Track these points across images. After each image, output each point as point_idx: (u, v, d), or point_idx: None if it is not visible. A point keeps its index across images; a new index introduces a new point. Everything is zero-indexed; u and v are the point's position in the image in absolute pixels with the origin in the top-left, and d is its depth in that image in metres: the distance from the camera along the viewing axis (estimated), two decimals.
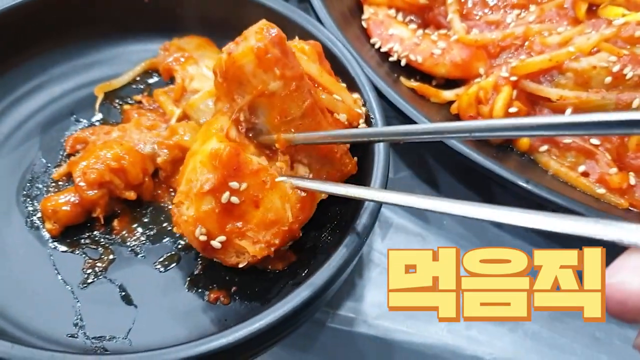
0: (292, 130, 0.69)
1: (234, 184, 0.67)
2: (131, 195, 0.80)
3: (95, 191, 0.78)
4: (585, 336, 0.83)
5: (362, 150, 0.78)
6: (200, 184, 0.67)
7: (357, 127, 0.79)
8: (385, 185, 0.75)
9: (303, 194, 0.70)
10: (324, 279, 0.66)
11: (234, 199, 0.67)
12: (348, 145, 0.76)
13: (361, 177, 0.76)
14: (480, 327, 0.83)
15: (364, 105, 0.81)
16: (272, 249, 0.69)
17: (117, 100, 0.94)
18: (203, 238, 0.68)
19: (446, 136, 0.60)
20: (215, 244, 0.69)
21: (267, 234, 0.69)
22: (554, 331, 0.83)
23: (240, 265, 0.71)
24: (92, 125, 0.90)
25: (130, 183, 0.80)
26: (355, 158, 0.76)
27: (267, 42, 0.65)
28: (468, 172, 0.95)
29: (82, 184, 0.78)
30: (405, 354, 0.82)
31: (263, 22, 0.67)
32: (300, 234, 0.73)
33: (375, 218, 0.71)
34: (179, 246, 0.79)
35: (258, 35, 0.66)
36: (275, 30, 0.66)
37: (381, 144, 0.76)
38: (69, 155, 0.86)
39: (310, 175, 0.72)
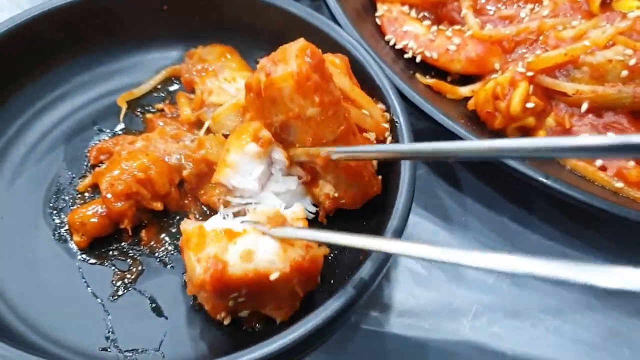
0: None
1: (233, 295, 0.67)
2: (158, 205, 0.81)
3: (123, 202, 0.79)
4: (606, 330, 0.85)
5: (384, 167, 0.79)
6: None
7: (383, 140, 0.80)
8: (410, 205, 0.75)
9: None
10: (358, 288, 0.67)
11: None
12: (376, 167, 0.77)
13: (385, 196, 0.77)
14: (502, 323, 0.84)
15: (390, 115, 0.82)
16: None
17: (138, 109, 0.95)
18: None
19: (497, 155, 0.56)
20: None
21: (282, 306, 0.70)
22: (576, 325, 0.85)
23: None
24: (115, 134, 0.91)
25: (157, 193, 0.81)
26: (380, 177, 0.77)
27: (308, 68, 0.65)
28: (488, 168, 0.96)
29: (109, 195, 0.79)
30: (429, 352, 0.83)
31: (303, 44, 0.67)
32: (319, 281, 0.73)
33: (400, 234, 0.72)
34: None
35: (299, 59, 0.65)
36: (316, 54, 0.65)
37: (407, 162, 0.76)
38: (93, 166, 0.87)
39: (336, 194, 0.73)
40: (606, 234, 0.92)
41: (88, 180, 0.85)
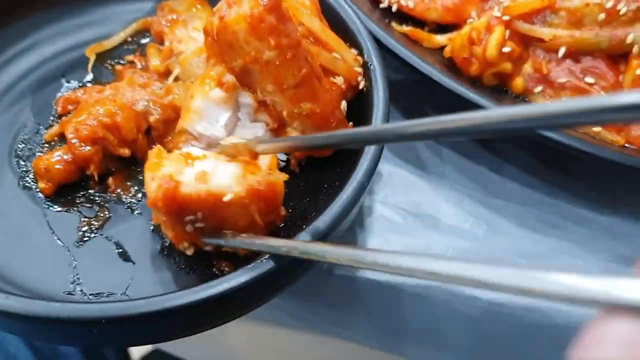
0: (287, 99, 0.69)
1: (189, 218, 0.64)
2: (125, 152, 0.79)
3: (89, 147, 0.77)
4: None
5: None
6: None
7: (356, 86, 0.78)
8: (381, 149, 0.74)
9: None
10: (327, 224, 0.66)
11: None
12: (344, 113, 0.76)
13: None
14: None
15: (364, 59, 0.80)
16: None
17: (109, 61, 0.93)
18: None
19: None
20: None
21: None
22: None
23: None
24: (84, 85, 0.90)
25: (124, 139, 0.79)
26: (351, 123, 0.76)
27: (262, 9, 0.63)
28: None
29: (74, 140, 0.77)
30: (403, 297, 0.82)
31: None
32: (283, 213, 0.72)
33: (372, 174, 0.71)
34: None
35: (252, 1, 0.63)
36: None
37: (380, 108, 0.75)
38: (60, 117, 0.85)
39: None
40: (586, 181, 0.91)
41: (55, 130, 0.83)
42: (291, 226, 0.74)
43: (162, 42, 0.92)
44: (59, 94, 0.88)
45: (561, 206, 0.89)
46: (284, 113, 0.72)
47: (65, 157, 0.78)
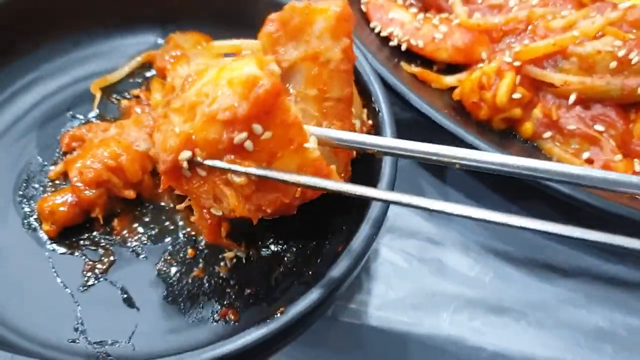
0: (321, 111, 0.66)
1: (257, 128, 0.56)
2: (130, 194, 0.79)
3: (93, 191, 0.77)
4: (589, 326, 0.83)
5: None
6: (218, 107, 0.55)
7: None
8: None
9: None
10: (336, 280, 0.65)
11: (248, 144, 0.57)
12: (353, 154, 0.74)
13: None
14: (483, 317, 0.83)
15: (372, 104, 0.80)
16: (259, 215, 0.61)
17: (114, 95, 0.92)
18: (184, 163, 0.58)
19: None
20: (201, 171, 0.59)
21: (262, 198, 0.60)
22: (559, 321, 0.83)
23: (212, 211, 0.63)
24: (88, 121, 0.89)
25: (128, 181, 0.79)
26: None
27: (349, 11, 0.64)
28: None
29: (79, 183, 0.77)
30: (408, 346, 0.82)
31: None
32: (295, 212, 0.68)
33: (380, 226, 0.70)
34: (182, 244, 0.78)
35: (342, 2, 0.64)
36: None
37: (388, 161, 0.74)
38: (65, 153, 0.85)
39: None
40: (594, 229, 0.90)
41: (59, 168, 0.82)
42: (295, 272, 0.74)
43: (164, 77, 0.91)
44: (64, 130, 0.87)
45: (568, 253, 0.89)
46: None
47: (70, 199, 0.77)
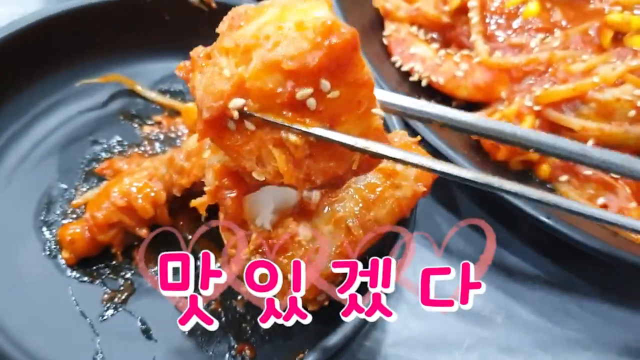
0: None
1: (325, 84, 0.48)
2: (143, 232, 0.79)
3: (108, 232, 0.77)
4: None
5: None
6: (283, 53, 0.47)
7: None
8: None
9: None
10: (355, 323, 0.65)
11: (311, 102, 0.49)
12: None
13: None
14: (494, 357, 0.84)
15: None
16: (307, 186, 0.53)
17: (136, 120, 0.93)
18: (234, 112, 0.49)
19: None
20: (249, 125, 0.50)
21: (315, 166, 0.52)
22: None
23: (254, 175, 0.53)
24: (110, 146, 0.90)
25: (141, 219, 0.78)
26: None
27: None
28: (488, 198, 0.95)
29: (93, 226, 0.77)
30: None
31: None
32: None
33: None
34: None
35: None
36: None
37: None
38: (86, 178, 0.85)
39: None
40: (604, 272, 0.92)
41: (80, 201, 0.83)
42: None
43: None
44: (86, 153, 0.88)
45: (578, 295, 0.90)
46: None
47: (88, 234, 0.77)
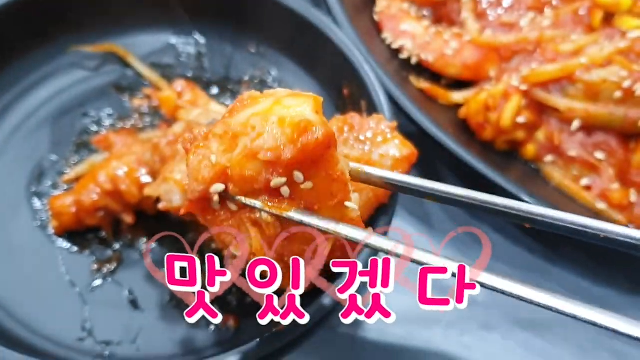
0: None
1: (298, 175, 0.52)
2: (128, 219, 0.80)
3: (95, 215, 0.79)
4: (574, 347, 0.86)
5: None
6: (262, 145, 0.51)
7: None
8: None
9: None
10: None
11: (284, 190, 0.53)
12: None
13: None
14: (473, 333, 0.86)
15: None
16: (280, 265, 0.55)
17: (127, 92, 0.93)
18: (215, 196, 0.55)
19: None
20: (232, 206, 0.56)
21: (287, 247, 0.57)
22: (546, 341, 0.86)
23: (232, 250, 0.59)
24: (101, 119, 0.90)
25: (128, 203, 0.79)
26: None
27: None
28: (478, 182, 0.96)
29: (81, 210, 0.79)
30: (400, 358, 0.85)
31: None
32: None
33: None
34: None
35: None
36: None
37: None
38: (77, 151, 0.87)
39: None
40: (586, 250, 0.93)
41: (71, 176, 0.84)
42: None
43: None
44: (77, 125, 0.89)
45: (559, 273, 0.91)
46: None
47: (75, 209, 0.79)
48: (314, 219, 0.53)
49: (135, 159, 0.79)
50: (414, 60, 0.99)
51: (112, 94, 0.93)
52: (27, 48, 0.91)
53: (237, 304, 0.77)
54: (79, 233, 0.80)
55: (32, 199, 0.82)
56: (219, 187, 0.54)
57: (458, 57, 0.97)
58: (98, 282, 0.77)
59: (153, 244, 0.80)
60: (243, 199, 0.54)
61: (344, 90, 0.87)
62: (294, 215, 0.54)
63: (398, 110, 0.88)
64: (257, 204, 0.54)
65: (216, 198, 0.55)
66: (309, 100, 0.53)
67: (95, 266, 0.78)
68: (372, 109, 0.82)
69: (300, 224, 0.54)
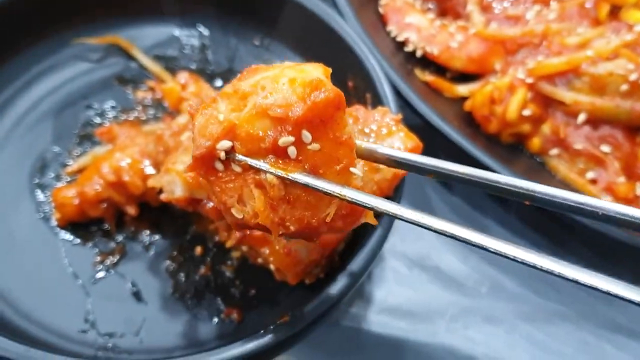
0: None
1: (306, 135, 0.51)
2: (131, 211, 0.80)
3: (98, 207, 0.79)
4: (577, 340, 0.86)
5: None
6: (272, 103, 0.51)
7: None
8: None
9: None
10: (340, 289, 0.67)
11: (292, 150, 0.52)
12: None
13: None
14: (477, 327, 0.86)
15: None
16: (280, 230, 0.55)
17: (130, 85, 0.93)
18: (221, 153, 0.53)
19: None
20: (236, 167, 0.54)
21: (290, 212, 0.54)
22: (548, 334, 0.86)
23: (233, 212, 0.55)
24: (104, 111, 0.90)
25: (131, 195, 0.79)
26: None
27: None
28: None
29: (84, 202, 0.78)
30: (404, 352, 0.84)
31: None
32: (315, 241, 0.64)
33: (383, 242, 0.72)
34: (191, 242, 0.81)
35: None
36: None
37: None
38: (80, 142, 0.86)
39: None
40: (589, 244, 0.93)
41: (75, 168, 0.84)
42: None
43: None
44: (80, 117, 0.89)
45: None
46: None
47: (78, 201, 0.79)
48: (319, 181, 0.52)
49: (139, 150, 0.79)
50: (419, 53, 0.98)
51: (115, 86, 0.93)
52: (30, 40, 0.91)
53: (241, 297, 0.77)
54: (82, 225, 0.80)
55: (35, 191, 0.82)
56: (225, 144, 0.53)
57: (463, 50, 0.96)
58: (101, 274, 0.77)
59: (157, 236, 0.80)
60: (249, 160, 0.52)
61: (348, 83, 0.86)
62: (299, 177, 0.52)
63: (403, 102, 0.87)
64: (263, 165, 0.52)
65: (223, 155, 0.53)
66: (319, 66, 0.54)
67: (98, 258, 0.78)
68: (377, 101, 0.81)
69: (305, 186, 0.52)
